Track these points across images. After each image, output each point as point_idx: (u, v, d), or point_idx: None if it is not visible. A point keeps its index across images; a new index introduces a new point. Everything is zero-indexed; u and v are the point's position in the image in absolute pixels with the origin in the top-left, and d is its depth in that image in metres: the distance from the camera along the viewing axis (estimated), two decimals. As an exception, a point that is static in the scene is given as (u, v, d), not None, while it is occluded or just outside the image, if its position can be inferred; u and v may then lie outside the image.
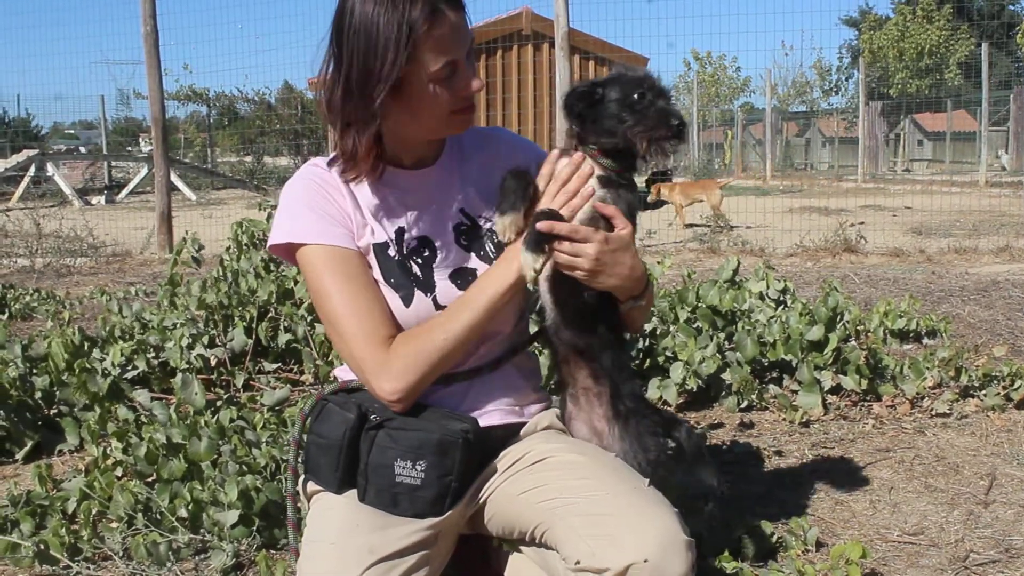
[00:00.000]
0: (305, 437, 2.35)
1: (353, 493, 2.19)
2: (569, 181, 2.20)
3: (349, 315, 2.18)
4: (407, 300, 2.25)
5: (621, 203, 2.22)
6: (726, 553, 2.82)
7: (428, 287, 2.27)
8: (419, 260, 2.29)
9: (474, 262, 2.32)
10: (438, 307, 2.26)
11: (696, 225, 14.04)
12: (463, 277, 2.30)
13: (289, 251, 2.29)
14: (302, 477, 2.37)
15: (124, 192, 24.92)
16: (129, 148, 36.16)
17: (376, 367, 2.15)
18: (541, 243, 2.10)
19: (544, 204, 2.19)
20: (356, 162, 2.22)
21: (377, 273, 2.26)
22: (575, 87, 2.24)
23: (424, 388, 2.17)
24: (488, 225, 2.36)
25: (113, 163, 28.72)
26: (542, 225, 2.10)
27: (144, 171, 24.69)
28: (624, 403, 2.35)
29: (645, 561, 1.91)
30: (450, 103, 2.17)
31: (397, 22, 2.06)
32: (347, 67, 2.14)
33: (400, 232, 2.30)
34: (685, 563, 1.96)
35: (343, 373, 2.45)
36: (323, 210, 2.25)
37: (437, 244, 2.31)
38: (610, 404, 2.35)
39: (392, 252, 2.27)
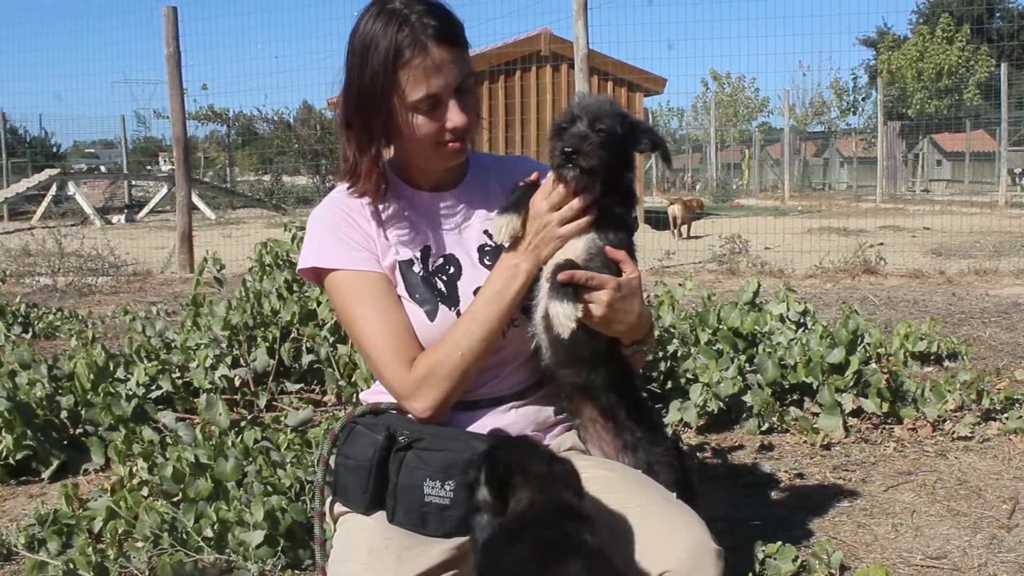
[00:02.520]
0: (333, 459, 2.38)
1: (381, 514, 2.21)
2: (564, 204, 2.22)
3: (377, 340, 2.24)
4: (432, 315, 2.29)
5: (615, 242, 2.25)
6: (749, 576, 2.82)
7: (453, 302, 2.31)
8: (444, 277, 2.34)
9: None
10: None
11: (695, 237, 14.29)
12: None
13: (317, 275, 2.35)
14: (329, 498, 2.40)
15: (144, 211, 25.10)
16: (149, 167, 36.45)
17: (405, 388, 2.22)
18: (576, 292, 2.13)
19: (539, 216, 2.22)
20: (358, 180, 2.29)
21: (402, 289, 2.31)
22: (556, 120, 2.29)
23: (453, 400, 2.23)
24: None
25: (133, 182, 28.95)
26: (563, 276, 2.13)
27: (164, 190, 24.89)
28: (632, 435, 2.37)
29: (677, 569, 1.94)
30: (433, 135, 2.22)
31: (385, 46, 2.14)
32: (348, 84, 2.25)
33: (426, 251, 2.35)
34: (716, 571, 2.00)
35: (370, 396, 2.48)
36: (347, 235, 2.31)
37: (462, 263, 2.36)
38: (617, 437, 2.37)
39: (417, 268, 2.33)
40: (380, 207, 2.35)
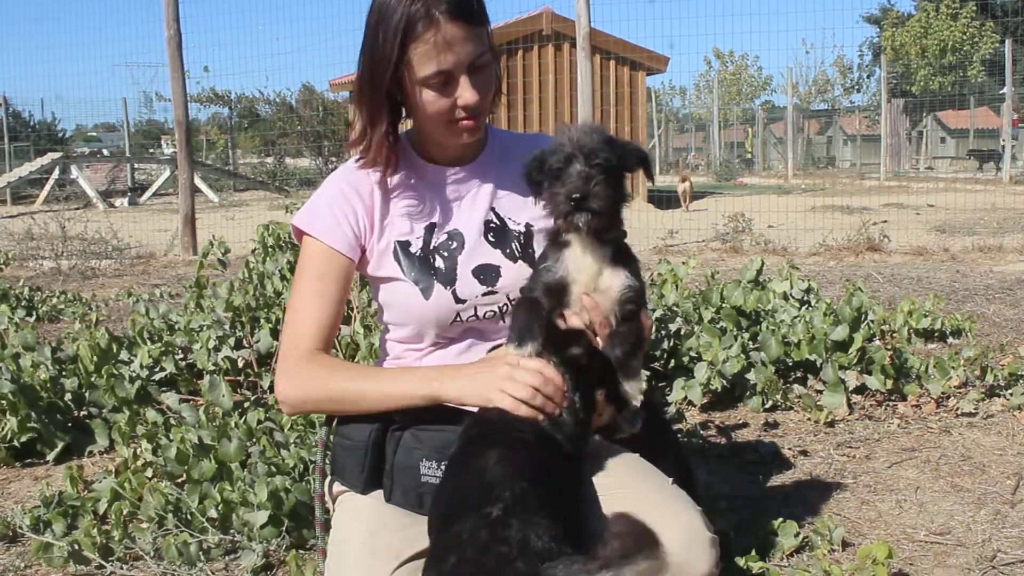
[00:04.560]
0: (332, 438, 2.38)
1: (379, 494, 2.22)
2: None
3: (297, 313, 2.29)
4: (427, 293, 2.28)
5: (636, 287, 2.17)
6: (753, 552, 2.82)
7: (449, 280, 2.30)
8: (445, 253, 2.32)
9: (499, 259, 2.35)
10: (458, 300, 2.29)
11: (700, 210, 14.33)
12: (486, 273, 2.33)
13: (300, 235, 2.37)
14: (328, 478, 2.40)
15: (147, 194, 25.11)
16: (151, 150, 36.45)
17: (282, 366, 2.26)
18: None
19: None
20: (370, 152, 2.28)
21: (396, 270, 2.30)
22: (536, 155, 2.17)
23: (311, 411, 2.36)
24: (517, 228, 2.38)
25: (136, 165, 28.95)
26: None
27: (166, 173, 24.91)
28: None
29: (668, 558, 1.94)
30: (444, 112, 2.19)
31: (397, 18, 2.11)
32: (362, 54, 2.22)
33: (431, 227, 2.34)
34: (709, 559, 2.00)
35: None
36: (340, 209, 2.31)
37: (466, 239, 2.34)
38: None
39: (414, 249, 2.31)
40: (389, 181, 2.34)
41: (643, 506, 2.05)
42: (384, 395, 2.15)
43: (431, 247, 2.32)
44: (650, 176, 2.25)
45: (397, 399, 2.14)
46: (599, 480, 2.15)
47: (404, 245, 2.32)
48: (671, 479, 2.21)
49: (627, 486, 2.14)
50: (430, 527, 1.96)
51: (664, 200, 17.15)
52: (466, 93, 2.16)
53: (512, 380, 2.00)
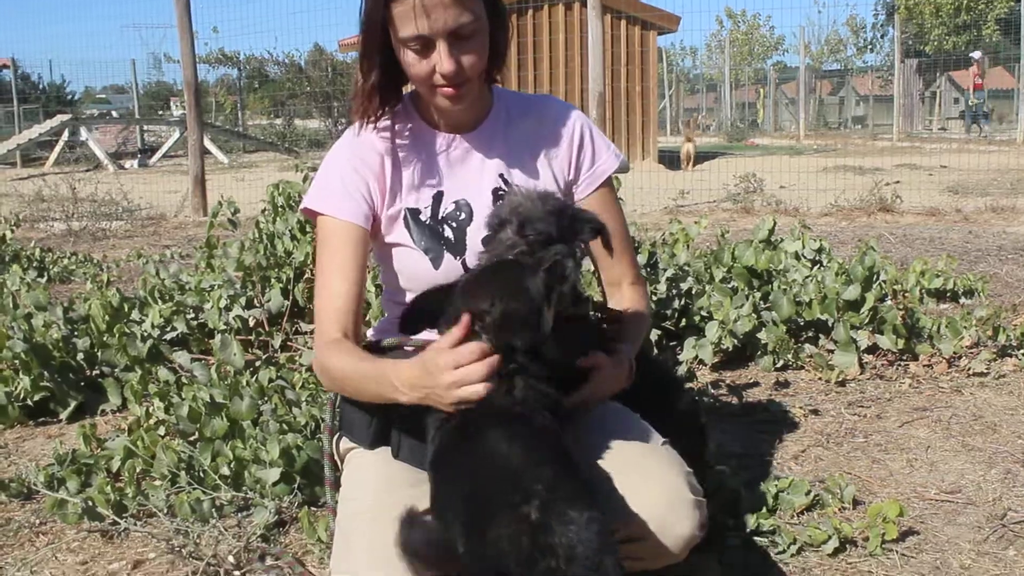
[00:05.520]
0: (340, 396, 2.38)
1: (386, 450, 2.22)
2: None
3: (320, 296, 2.26)
4: (436, 262, 2.27)
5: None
6: (763, 510, 2.83)
7: (459, 250, 2.28)
8: (454, 224, 2.29)
9: None
10: (467, 270, 2.26)
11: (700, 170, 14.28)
12: None
13: (313, 215, 2.33)
14: (337, 435, 2.40)
15: (157, 156, 25.08)
16: (160, 112, 36.40)
17: (319, 349, 2.24)
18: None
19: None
20: (360, 99, 2.24)
21: (406, 237, 2.28)
22: (497, 208, 2.13)
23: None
24: None
25: (145, 127, 28.91)
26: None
27: (176, 135, 24.87)
28: None
29: (650, 519, 1.96)
30: (425, 76, 2.14)
31: None
32: (360, 8, 2.18)
33: (438, 196, 2.30)
34: (691, 521, 1.99)
35: (375, 334, 2.47)
36: (351, 181, 2.27)
37: (474, 208, 2.31)
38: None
39: (424, 217, 2.29)
40: (396, 148, 2.31)
41: (625, 467, 2.06)
42: (376, 395, 2.09)
43: (439, 216, 2.30)
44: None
45: (385, 399, 2.07)
46: (584, 438, 2.14)
47: (414, 213, 2.29)
48: (664, 440, 2.20)
49: (612, 446, 2.13)
50: (436, 506, 1.90)
51: (676, 160, 17.11)
52: (444, 62, 2.09)
53: (456, 391, 1.86)
